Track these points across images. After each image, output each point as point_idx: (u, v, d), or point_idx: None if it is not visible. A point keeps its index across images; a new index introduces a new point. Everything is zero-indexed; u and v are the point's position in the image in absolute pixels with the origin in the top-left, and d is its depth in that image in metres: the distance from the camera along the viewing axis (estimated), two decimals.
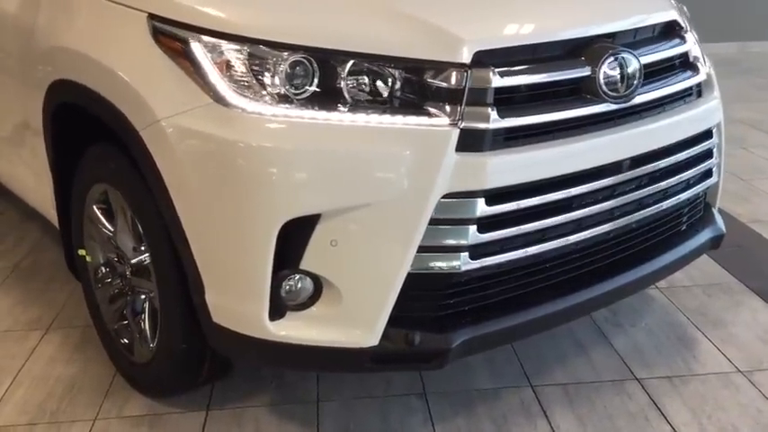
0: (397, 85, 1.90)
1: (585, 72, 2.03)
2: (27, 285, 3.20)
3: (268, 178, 1.84)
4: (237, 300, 1.96)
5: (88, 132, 2.34)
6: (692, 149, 2.31)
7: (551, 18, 2.11)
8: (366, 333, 1.92)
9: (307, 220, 1.86)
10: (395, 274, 1.88)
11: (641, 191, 2.21)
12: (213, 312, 2.02)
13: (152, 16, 2.04)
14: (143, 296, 2.34)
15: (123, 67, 2.06)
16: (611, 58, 2.04)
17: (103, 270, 2.51)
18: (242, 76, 1.88)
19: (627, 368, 2.53)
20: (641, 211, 2.23)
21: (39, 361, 2.67)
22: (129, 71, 2.04)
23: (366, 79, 1.89)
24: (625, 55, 2.06)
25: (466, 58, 1.89)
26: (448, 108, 1.88)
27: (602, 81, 2.03)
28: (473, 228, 1.90)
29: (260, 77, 1.88)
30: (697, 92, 2.36)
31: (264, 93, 1.87)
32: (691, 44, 2.34)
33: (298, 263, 1.90)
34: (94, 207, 2.44)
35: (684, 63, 2.33)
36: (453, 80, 1.89)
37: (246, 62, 1.88)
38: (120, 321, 2.46)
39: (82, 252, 2.57)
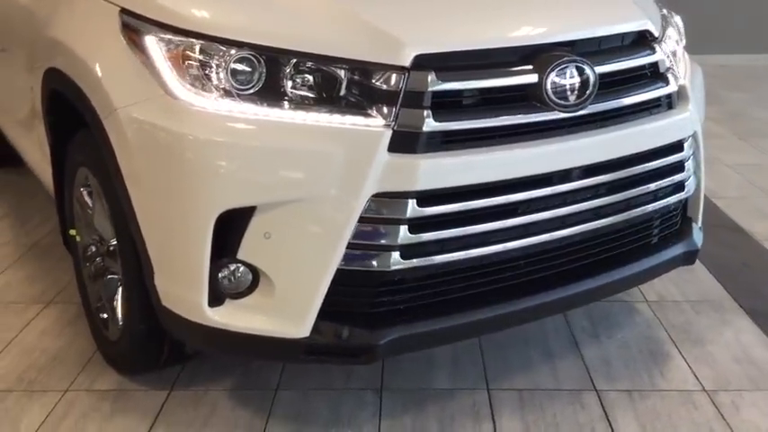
0: (337, 85, 1.95)
1: (532, 80, 2.03)
2: (40, 262, 3.37)
3: (206, 170, 1.92)
4: (180, 285, 2.05)
5: (75, 118, 2.47)
6: (658, 161, 2.28)
7: (502, 24, 2.12)
8: (297, 325, 1.97)
9: (243, 212, 1.93)
10: (324, 268, 1.93)
11: (598, 200, 2.20)
12: (162, 296, 2.11)
13: (123, 10, 2.15)
14: (115, 277, 2.46)
15: (93, 58, 2.17)
16: (561, 67, 2.04)
17: (91, 250, 2.64)
18: (191, 71, 1.97)
19: (589, 379, 2.51)
20: (599, 221, 2.22)
21: (31, 333, 2.82)
22: (98, 62, 2.16)
23: (308, 78, 1.95)
24: (577, 64, 2.06)
25: (405, 60, 1.93)
26: (383, 109, 1.92)
27: (549, 89, 2.03)
28: (404, 228, 1.94)
29: (207, 72, 1.95)
30: (667, 103, 2.32)
31: (211, 87, 1.95)
32: (661, 55, 2.31)
33: (235, 253, 1.97)
34: (81, 189, 2.57)
35: (653, 74, 2.30)
36: (390, 82, 1.93)
37: (195, 57, 1.96)
38: (100, 300, 2.58)
39: (72, 232, 2.71)
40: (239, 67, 1.94)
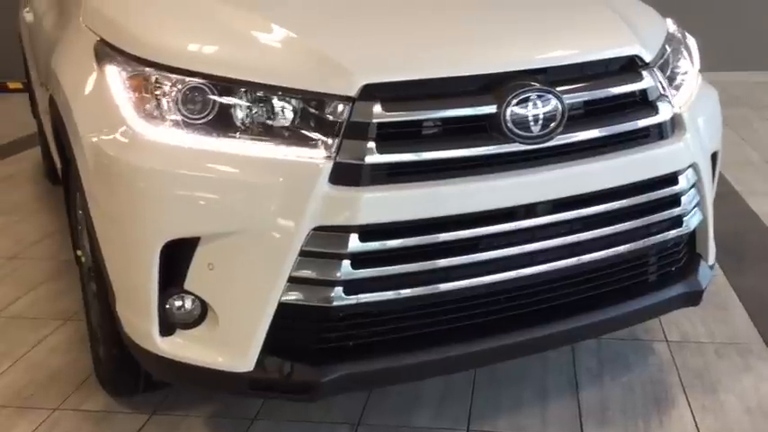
0: (283, 116, 1.91)
1: (490, 110, 1.93)
2: (73, 278, 3.47)
3: (150, 199, 1.92)
4: (135, 313, 2.05)
5: None
6: (646, 195, 2.13)
7: (461, 51, 2.03)
8: (240, 358, 1.94)
9: (188, 242, 1.92)
10: (265, 301, 1.89)
11: (574, 236, 2.06)
12: (123, 323, 2.12)
13: (100, 40, 2.19)
14: None
15: (70, 86, 2.23)
16: (522, 97, 1.93)
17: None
18: (145, 100, 1.97)
19: (579, 424, 2.36)
20: (577, 258, 2.08)
21: (42, 349, 2.91)
22: (73, 90, 2.21)
23: (255, 108, 1.92)
24: (542, 94, 1.94)
25: (351, 90, 1.87)
26: (326, 140, 1.87)
27: (509, 120, 1.93)
28: (346, 263, 1.87)
29: (160, 102, 1.96)
30: (657, 133, 2.16)
31: (162, 117, 1.95)
32: (651, 82, 2.15)
33: (183, 283, 1.96)
34: (80, 212, 2.63)
35: (641, 102, 2.15)
36: (335, 112, 1.88)
37: (149, 86, 1.97)
38: None
39: (78, 252, 2.77)
40: (190, 96, 1.94)
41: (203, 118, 1.93)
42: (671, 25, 2.54)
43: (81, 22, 2.36)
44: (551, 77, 2.01)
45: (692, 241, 2.38)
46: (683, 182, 2.20)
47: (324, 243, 1.86)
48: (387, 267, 1.90)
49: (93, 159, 2.04)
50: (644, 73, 2.14)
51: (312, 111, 1.89)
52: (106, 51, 2.10)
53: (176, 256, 1.94)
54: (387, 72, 1.92)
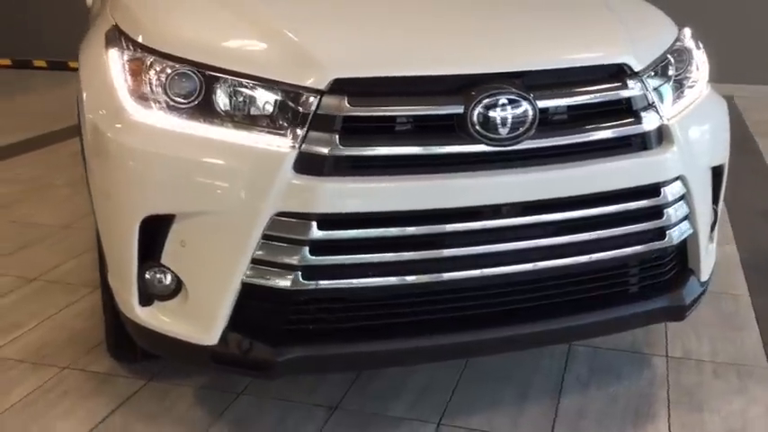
0: (257, 104, 2.00)
1: (457, 110, 1.96)
2: None
3: (132, 176, 2.05)
4: (120, 283, 2.19)
5: None
6: (624, 204, 2.12)
7: (435, 51, 2.06)
8: (205, 332, 2.05)
9: (164, 219, 2.03)
10: (229, 280, 1.99)
11: (544, 240, 2.07)
12: (114, 292, 2.26)
13: (114, 26, 2.33)
14: None
15: (84, 66, 2.38)
16: (490, 100, 1.95)
17: None
18: (137, 83, 2.10)
19: (550, 429, 2.36)
20: (546, 262, 2.09)
21: (69, 313, 3.11)
22: (84, 70, 2.36)
23: (233, 96, 2.02)
24: (512, 97, 1.96)
25: (321, 84, 1.94)
26: (294, 130, 1.95)
27: (475, 122, 1.96)
28: (306, 249, 1.95)
29: (150, 86, 2.08)
30: (640, 143, 2.14)
31: (150, 99, 2.06)
32: (636, 91, 2.13)
33: (159, 257, 2.08)
34: None
35: (625, 111, 2.13)
36: (304, 104, 1.95)
37: (142, 70, 2.09)
38: None
39: None
40: (177, 81, 2.05)
41: (188, 103, 2.04)
42: (685, 35, 2.49)
43: (108, 11, 2.51)
44: (529, 81, 2.03)
45: (682, 255, 2.34)
46: (667, 194, 2.17)
47: (285, 228, 1.94)
48: (345, 256, 1.97)
49: (90, 135, 2.18)
50: (629, 82, 2.12)
51: (284, 101, 1.98)
52: (114, 36, 2.24)
53: (155, 232, 2.06)
54: (357, 68, 1.98)
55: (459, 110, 1.96)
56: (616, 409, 2.46)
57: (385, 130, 1.98)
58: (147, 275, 2.10)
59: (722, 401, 2.51)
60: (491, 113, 1.96)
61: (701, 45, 2.52)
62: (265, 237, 1.95)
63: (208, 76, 2.03)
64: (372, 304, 2.06)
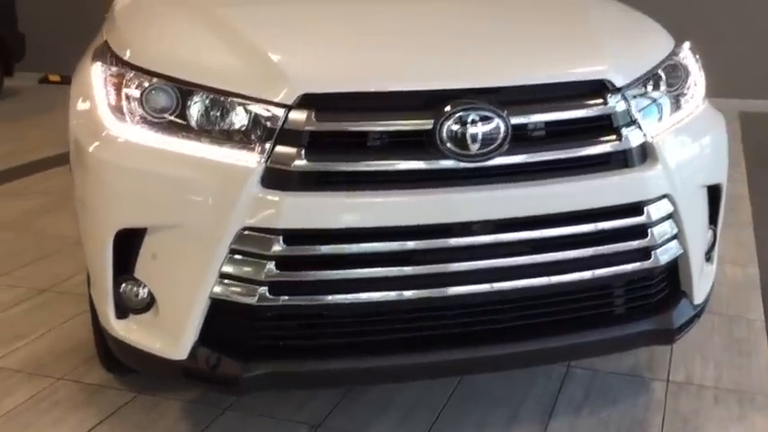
0: (228, 119, 2.00)
1: (426, 126, 1.93)
2: None
3: (105, 189, 2.07)
4: (98, 295, 2.21)
5: None
6: (604, 223, 2.05)
7: (406, 67, 2.04)
8: (175, 346, 2.05)
9: (137, 232, 2.05)
10: (197, 294, 1.98)
11: (518, 259, 2.02)
12: (95, 304, 2.29)
13: (104, 42, 2.37)
14: None
15: (75, 79, 2.42)
16: (459, 115, 1.92)
17: None
18: (115, 98, 2.12)
19: None
20: (520, 282, 2.04)
21: (75, 323, 3.15)
22: (74, 83, 2.40)
23: (205, 111, 2.03)
24: (482, 113, 1.93)
25: (289, 99, 1.94)
26: (262, 145, 1.95)
27: (444, 137, 1.93)
28: (272, 264, 1.93)
29: (128, 98, 2.09)
30: (621, 160, 2.08)
31: (126, 113, 2.09)
32: (616, 108, 2.07)
33: (133, 270, 2.09)
34: None
35: (605, 127, 2.07)
36: (272, 119, 1.95)
37: (119, 84, 2.12)
38: None
39: None
40: (153, 96, 2.06)
41: (163, 118, 2.05)
42: (682, 49, 2.42)
43: (103, 29, 2.56)
44: (503, 97, 1.99)
45: (672, 277, 2.26)
46: (651, 213, 2.10)
47: (252, 243, 1.93)
48: (311, 272, 1.95)
49: (73, 147, 2.22)
50: (610, 98, 2.07)
51: (253, 116, 1.97)
52: (101, 51, 2.28)
53: (129, 245, 2.07)
54: (326, 83, 1.97)
55: (429, 126, 1.93)
56: None
57: (353, 145, 1.96)
58: (122, 288, 2.11)
59: (718, 429, 2.41)
60: (460, 129, 1.92)
61: (698, 60, 2.44)
62: (232, 251, 1.95)
63: (183, 91, 2.04)
64: (341, 321, 2.03)
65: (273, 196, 1.91)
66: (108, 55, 2.23)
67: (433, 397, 2.56)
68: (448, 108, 1.93)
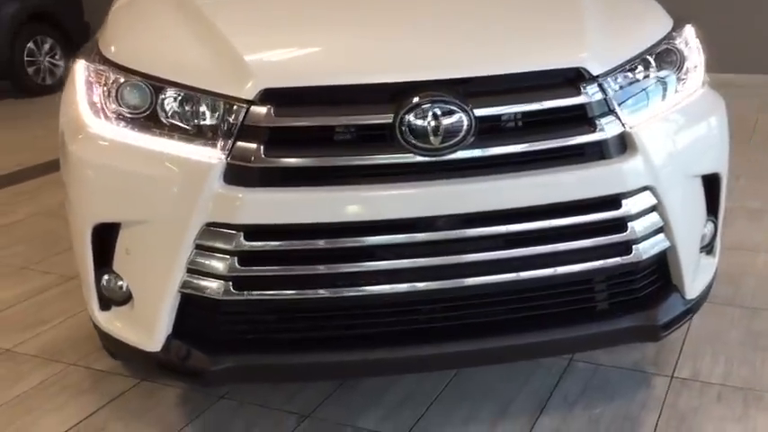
0: (195, 115, 2.02)
1: (386, 120, 1.90)
2: None
3: (82, 185, 2.12)
4: (84, 288, 2.27)
5: None
6: (578, 217, 1.99)
7: (368, 60, 2.01)
8: (149, 338, 2.09)
9: (113, 227, 2.09)
10: (166, 288, 2.02)
11: (489, 254, 1.98)
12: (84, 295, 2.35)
13: (95, 40, 2.42)
14: None
15: (67, 83, 2.48)
16: (420, 108, 1.88)
17: None
18: (93, 95, 2.17)
19: None
20: (493, 276, 2.00)
21: None
22: (66, 83, 2.46)
23: (174, 107, 2.05)
24: (444, 106, 1.89)
25: (250, 94, 1.94)
26: (223, 141, 1.96)
27: (405, 131, 1.89)
28: (235, 259, 1.95)
29: (106, 95, 2.14)
30: (596, 152, 2.00)
31: (103, 109, 2.13)
32: (593, 97, 1.99)
33: (111, 264, 2.14)
34: None
35: (579, 118, 2.00)
36: (234, 115, 1.95)
37: (97, 82, 2.16)
38: None
39: None
40: (128, 92, 2.10)
41: (137, 114, 2.08)
42: (682, 33, 2.31)
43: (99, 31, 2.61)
44: (471, 88, 1.94)
45: (662, 271, 2.18)
46: (631, 206, 2.02)
47: (215, 238, 1.95)
48: (273, 267, 1.95)
49: (60, 142, 2.28)
50: (584, 87, 1.99)
51: (217, 112, 1.98)
52: (87, 50, 2.33)
53: (107, 239, 2.12)
54: (287, 78, 1.96)
55: (389, 119, 1.90)
56: None
57: (313, 140, 1.95)
58: (103, 281, 2.17)
59: (715, 428, 2.31)
60: (420, 122, 1.89)
61: (698, 43, 2.33)
62: (198, 246, 1.97)
63: (155, 88, 2.06)
64: (305, 316, 2.03)
65: (234, 192, 1.92)
66: (93, 52, 2.28)
67: (425, 391, 2.54)
68: (408, 101, 1.89)
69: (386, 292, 1.97)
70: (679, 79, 2.23)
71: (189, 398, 2.60)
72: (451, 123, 1.89)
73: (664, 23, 2.33)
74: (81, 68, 2.25)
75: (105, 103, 2.12)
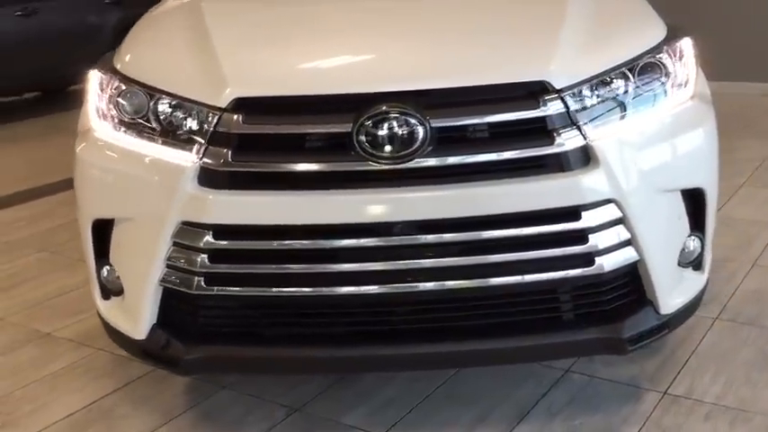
0: (177, 121, 2.17)
1: (345, 129, 2.00)
2: None
3: (82, 184, 2.31)
4: (89, 278, 2.46)
5: None
6: (536, 227, 2.03)
7: (334, 71, 2.12)
8: (136, 327, 2.26)
9: (108, 223, 2.28)
10: (147, 281, 2.18)
11: (445, 260, 2.04)
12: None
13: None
14: None
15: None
16: (377, 119, 1.97)
17: None
18: (101, 99, 2.36)
19: None
20: (448, 282, 2.05)
21: None
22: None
23: (160, 113, 2.21)
24: (400, 116, 1.96)
25: (223, 102, 2.07)
26: (197, 146, 2.10)
27: (362, 140, 1.98)
28: (205, 257, 2.09)
29: (109, 102, 2.32)
30: (556, 164, 2.03)
31: (105, 115, 2.32)
32: (554, 110, 2.02)
33: (108, 257, 2.32)
34: None
35: (538, 130, 2.03)
36: (208, 121, 2.09)
37: (106, 88, 2.35)
38: None
39: None
40: (127, 99, 2.28)
41: (133, 119, 2.25)
42: (674, 45, 2.29)
43: None
44: (429, 100, 2.01)
45: (636, 285, 2.17)
46: (592, 218, 2.04)
47: (189, 236, 2.10)
48: (239, 265, 2.08)
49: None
50: (544, 101, 2.02)
51: (196, 118, 2.13)
52: (107, 58, 2.52)
53: (105, 234, 2.30)
54: (257, 87, 2.09)
55: (347, 129, 1.99)
56: None
57: (279, 147, 2.06)
58: (103, 272, 2.35)
59: None
60: (376, 132, 1.97)
61: (689, 56, 2.30)
62: (175, 243, 2.12)
63: (150, 96, 2.23)
64: (272, 312, 2.15)
65: (204, 194, 2.06)
66: (108, 62, 2.47)
67: (413, 393, 2.59)
68: (366, 111, 1.98)
69: (345, 293, 2.06)
70: (661, 93, 2.21)
71: (195, 387, 2.76)
72: (407, 133, 1.97)
73: (652, 35, 2.31)
74: (94, 77, 2.44)
75: (108, 109, 2.30)
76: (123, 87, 2.28)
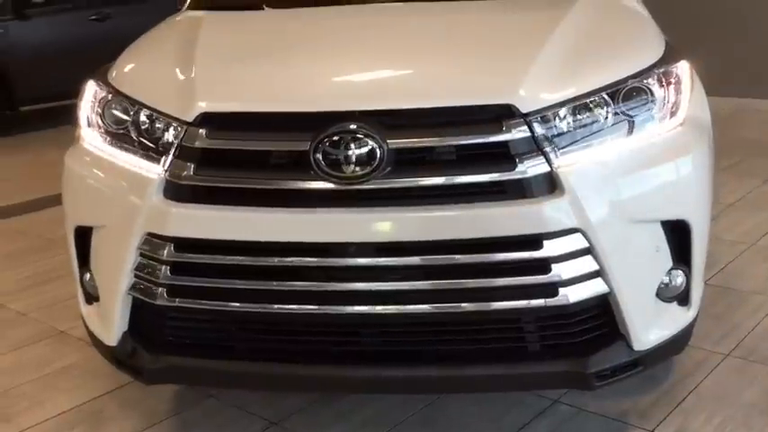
0: (150, 133, 2.20)
1: (303, 148, 1.98)
2: None
3: (66, 191, 2.37)
4: (75, 283, 2.52)
5: None
6: (493, 255, 1.96)
7: (294, 89, 2.10)
8: (108, 333, 2.29)
9: (88, 230, 2.32)
10: (116, 289, 2.21)
11: (397, 283, 2.00)
12: None
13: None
14: None
15: None
16: (334, 138, 1.95)
17: None
18: (90, 112, 2.41)
19: None
20: (407, 306, 2.01)
21: None
22: None
23: (135, 124, 2.24)
24: (356, 136, 1.94)
25: (189, 116, 2.09)
26: (164, 158, 2.12)
27: (319, 159, 1.96)
28: (167, 268, 2.10)
29: (97, 112, 2.37)
30: (516, 190, 1.95)
31: (93, 124, 2.37)
32: (517, 135, 1.95)
33: (88, 263, 2.37)
34: None
35: (500, 155, 1.96)
36: (175, 134, 2.11)
37: (97, 99, 2.40)
38: None
39: None
40: (110, 110, 2.32)
41: (117, 130, 2.29)
42: (672, 70, 2.19)
43: None
44: (388, 121, 1.98)
45: (608, 318, 2.08)
46: (554, 248, 1.96)
47: (153, 247, 2.11)
48: (198, 278, 2.09)
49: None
50: (508, 125, 1.95)
51: (166, 132, 2.15)
52: (101, 70, 2.57)
53: (86, 241, 2.35)
54: (222, 103, 2.09)
55: (305, 147, 1.98)
56: None
57: (239, 163, 2.06)
58: (85, 277, 2.40)
59: None
60: (333, 151, 1.95)
61: (683, 81, 2.20)
62: (141, 254, 2.14)
63: (131, 107, 2.27)
64: (232, 326, 2.14)
65: (167, 206, 2.08)
66: (104, 72, 2.52)
67: (396, 413, 2.56)
68: (323, 130, 1.96)
69: (301, 311, 2.04)
70: (645, 119, 2.11)
71: (182, 394, 2.78)
72: (363, 154, 1.93)
73: (644, 58, 2.21)
74: (88, 87, 2.49)
75: (95, 119, 2.35)
76: (110, 98, 2.32)
